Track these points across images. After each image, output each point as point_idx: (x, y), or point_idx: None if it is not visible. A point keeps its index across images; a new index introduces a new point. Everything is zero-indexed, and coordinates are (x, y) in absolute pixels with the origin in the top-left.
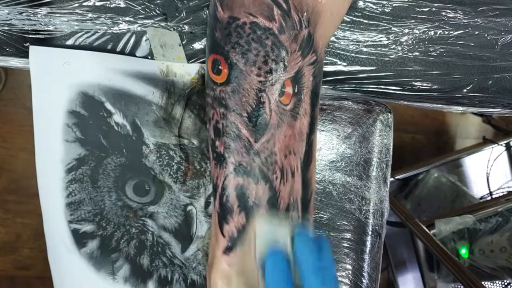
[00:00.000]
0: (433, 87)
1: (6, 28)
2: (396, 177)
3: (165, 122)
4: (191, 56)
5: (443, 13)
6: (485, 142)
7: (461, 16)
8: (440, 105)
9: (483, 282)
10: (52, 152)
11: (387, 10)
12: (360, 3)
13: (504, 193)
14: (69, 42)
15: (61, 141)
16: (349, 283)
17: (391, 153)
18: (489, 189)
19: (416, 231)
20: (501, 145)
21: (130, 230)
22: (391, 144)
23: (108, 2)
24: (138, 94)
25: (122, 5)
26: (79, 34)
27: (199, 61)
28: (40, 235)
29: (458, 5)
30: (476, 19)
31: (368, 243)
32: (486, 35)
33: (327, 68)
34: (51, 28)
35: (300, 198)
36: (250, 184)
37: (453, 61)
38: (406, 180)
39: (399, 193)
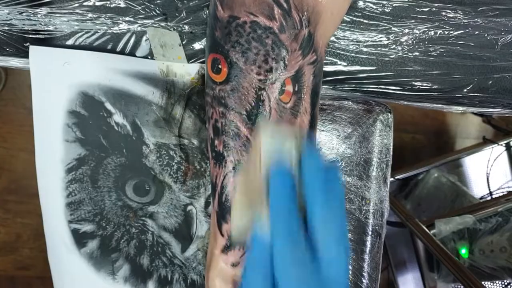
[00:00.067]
0: (433, 87)
1: (6, 28)
2: (396, 177)
3: (165, 122)
4: (191, 56)
5: (443, 13)
6: (485, 142)
7: (461, 16)
8: (440, 105)
9: (483, 282)
10: (52, 152)
11: (387, 10)
12: (360, 3)
13: (504, 193)
14: (69, 42)
15: (61, 141)
16: (349, 283)
17: (391, 153)
18: (489, 189)
19: (416, 231)
20: (501, 145)
21: (130, 230)
22: (391, 144)
23: (108, 2)
24: (138, 94)
25: (122, 5)
26: (79, 34)
27: (199, 61)
28: (40, 235)
29: (458, 5)
30: (476, 19)
31: (368, 243)
32: (486, 35)
33: (327, 68)
34: (51, 28)
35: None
36: None
37: (453, 61)
38: (406, 180)
39: (399, 193)
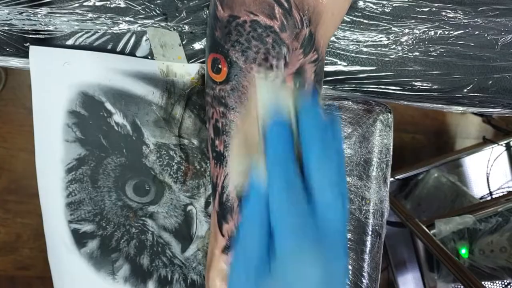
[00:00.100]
0: (433, 87)
1: (6, 28)
2: (396, 177)
3: (165, 122)
4: (191, 56)
5: (443, 13)
6: (485, 142)
7: (461, 16)
8: (440, 105)
9: (483, 282)
10: (52, 152)
11: (387, 10)
12: (360, 3)
13: (504, 193)
14: (69, 42)
15: (61, 141)
16: (349, 283)
17: (391, 153)
18: (489, 189)
19: (416, 231)
20: (501, 145)
21: (130, 230)
22: (391, 144)
23: (108, 2)
24: (138, 94)
25: (122, 5)
26: (79, 34)
27: (199, 61)
28: (40, 235)
29: (458, 5)
30: (476, 19)
31: (368, 243)
32: (486, 35)
33: (327, 68)
34: (51, 28)
35: None
36: None
37: (453, 61)
38: (406, 180)
39: (399, 193)
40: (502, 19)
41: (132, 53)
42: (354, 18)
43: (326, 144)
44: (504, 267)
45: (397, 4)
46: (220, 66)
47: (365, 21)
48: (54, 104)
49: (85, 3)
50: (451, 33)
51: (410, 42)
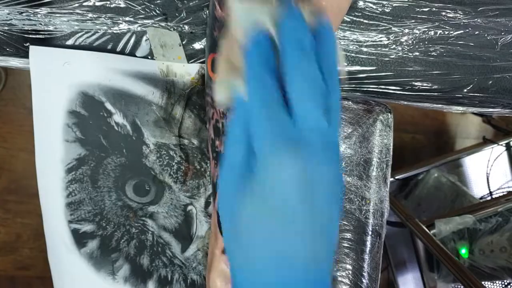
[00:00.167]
0: (433, 87)
1: (6, 28)
2: (396, 177)
3: (165, 122)
4: (191, 56)
5: (443, 13)
6: (485, 142)
7: (461, 16)
8: (440, 105)
9: (483, 282)
10: (52, 152)
11: (387, 10)
12: (360, 3)
13: (504, 193)
14: (69, 42)
15: (61, 141)
16: (349, 283)
17: (391, 153)
18: (489, 189)
19: (416, 231)
20: (501, 145)
21: (130, 230)
22: (391, 144)
23: (108, 2)
24: (138, 94)
25: (122, 5)
26: (79, 34)
27: (199, 61)
28: (40, 235)
29: (458, 5)
30: (476, 19)
31: (368, 243)
32: (486, 35)
33: None
34: (51, 28)
35: None
36: None
37: (453, 61)
38: (406, 180)
39: (399, 193)
40: (502, 19)
41: (132, 53)
42: (354, 18)
43: (305, 54)
44: (504, 267)
45: (397, 4)
46: None
47: (365, 21)
48: (54, 104)
49: (85, 3)
50: (451, 33)
51: (410, 42)
